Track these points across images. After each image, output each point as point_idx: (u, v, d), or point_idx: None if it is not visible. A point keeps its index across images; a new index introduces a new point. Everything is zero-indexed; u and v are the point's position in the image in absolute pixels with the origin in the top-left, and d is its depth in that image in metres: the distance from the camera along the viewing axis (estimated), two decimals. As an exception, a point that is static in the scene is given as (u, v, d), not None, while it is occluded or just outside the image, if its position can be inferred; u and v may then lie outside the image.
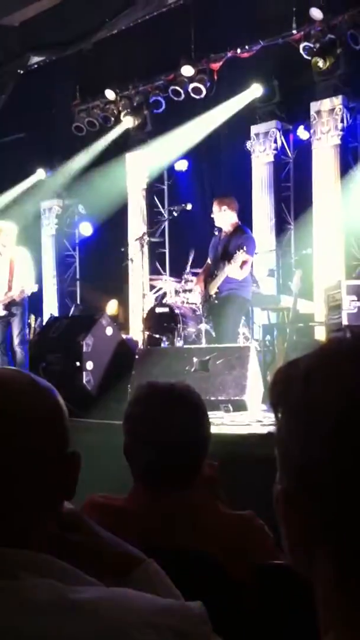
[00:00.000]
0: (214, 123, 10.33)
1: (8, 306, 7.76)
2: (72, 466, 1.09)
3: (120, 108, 11.18)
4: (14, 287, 7.72)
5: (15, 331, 7.78)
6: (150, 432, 1.86)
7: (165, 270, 11.47)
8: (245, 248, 6.83)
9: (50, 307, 12.59)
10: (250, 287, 7.31)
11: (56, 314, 11.31)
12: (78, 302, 12.67)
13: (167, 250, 11.79)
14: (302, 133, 10.08)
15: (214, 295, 7.08)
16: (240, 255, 6.76)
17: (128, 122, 11.14)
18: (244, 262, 6.86)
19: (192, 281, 7.96)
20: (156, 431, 1.85)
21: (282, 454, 0.79)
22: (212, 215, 7.27)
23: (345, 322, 6.62)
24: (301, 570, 0.78)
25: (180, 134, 10.70)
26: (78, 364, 6.27)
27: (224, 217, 7.20)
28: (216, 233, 7.47)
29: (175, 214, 8.16)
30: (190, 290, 7.95)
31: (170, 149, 11.05)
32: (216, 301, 7.06)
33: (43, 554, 0.99)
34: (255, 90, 9.89)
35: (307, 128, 9.81)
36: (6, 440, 1.00)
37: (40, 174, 12.28)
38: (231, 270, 6.85)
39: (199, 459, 1.92)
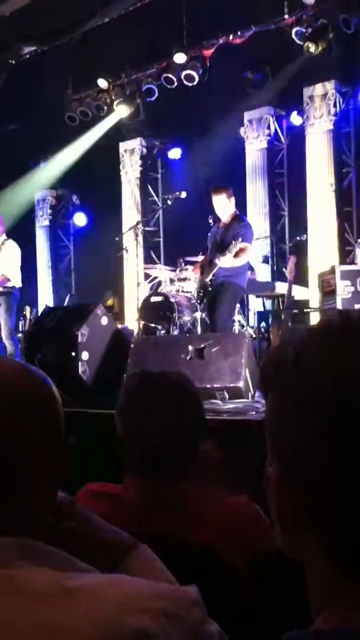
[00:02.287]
0: (205, 110, 10.29)
1: None
2: (66, 455, 1.09)
3: (113, 97, 11.14)
4: None
5: (1, 324, 7.73)
6: (143, 421, 1.86)
7: (160, 259, 11.47)
8: (241, 237, 6.82)
9: (45, 298, 12.59)
10: (246, 274, 7.29)
11: (51, 305, 11.30)
12: (73, 292, 12.67)
13: (161, 239, 11.77)
14: (295, 119, 10.06)
15: (209, 283, 7.08)
16: (235, 247, 6.75)
17: (121, 111, 11.09)
18: (241, 250, 6.84)
19: (187, 269, 7.95)
20: (149, 419, 1.85)
21: (272, 436, 0.79)
22: (214, 205, 7.18)
23: (339, 307, 6.62)
24: (292, 553, 0.78)
25: (174, 121, 10.67)
26: (73, 354, 6.26)
27: (229, 207, 7.16)
28: (211, 221, 7.45)
29: (169, 202, 8.14)
30: (185, 279, 7.94)
31: (164, 137, 11.03)
32: (210, 288, 7.06)
33: (37, 542, 0.99)
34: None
35: (300, 113, 9.79)
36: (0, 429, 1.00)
37: (33, 164, 12.24)
38: (225, 261, 6.83)
39: (193, 446, 1.92)
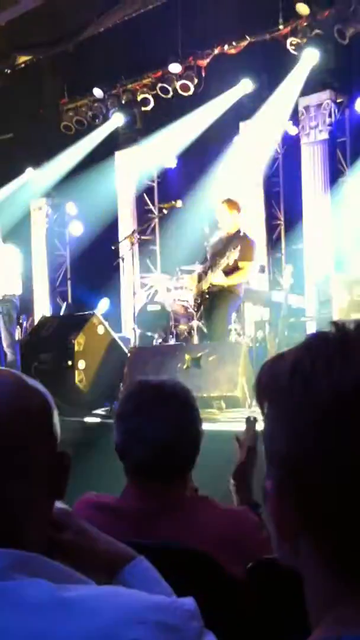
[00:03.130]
0: (203, 120, 10.32)
1: None
2: (62, 466, 1.09)
3: (108, 106, 11.16)
4: None
5: (3, 332, 7.67)
6: (141, 429, 1.86)
7: (156, 268, 11.48)
8: (239, 253, 6.77)
9: (42, 307, 12.57)
10: (242, 285, 7.24)
11: (47, 314, 11.29)
12: (69, 301, 12.65)
13: (157, 248, 11.78)
14: (290, 128, 10.09)
15: (206, 291, 7.05)
16: (232, 255, 6.73)
17: (116, 120, 11.12)
18: (236, 269, 6.82)
19: (183, 278, 7.94)
20: (147, 428, 1.85)
21: (269, 448, 0.79)
22: (222, 216, 7.15)
23: (335, 316, 6.62)
24: (289, 563, 0.78)
25: (170, 131, 10.70)
26: (70, 363, 6.26)
27: (236, 220, 7.16)
28: (207, 230, 7.43)
29: (165, 211, 8.15)
30: (181, 287, 7.93)
31: (160, 146, 11.05)
32: (208, 296, 7.04)
33: (33, 553, 0.98)
34: (245, 86, 9.85)
35: (296, 123, 9.82)
36: None
37: (29, 173, 12.25)
38: (214, 277, 6.80)
39: (190, 455, 1.92)
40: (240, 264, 6.85)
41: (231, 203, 7.22)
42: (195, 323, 7.22)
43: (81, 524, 1.22)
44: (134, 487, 1.88)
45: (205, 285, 7.05)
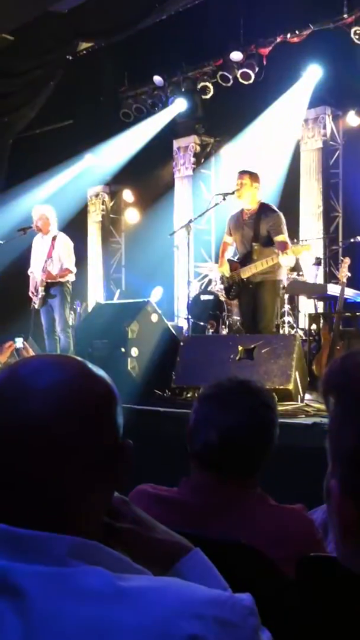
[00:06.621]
0: (263, 109, 10.24)
1: (47, 288, 7.83)
2: (124, 455, 1.08)
3: (168, 94, 11.16)
4: (51, 268, 7.83)
5: (56, 317, 7.83)
6: (213, 414, 1.86)
7: (211, 258, 11.45)
8: (282, 229, 6.64)
9: (96, 293, 12.69)
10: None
11: (101, 300, 11.39)
12: (123, 288, 12.74)
13: (212, 237, 11.75)
14: (352, 119, 9.94)
15: (245, 280, 6.84)
16: (280, 239, 6.60)
17: (176, 108, 11.10)
18: (286, 246, 6.61)
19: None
20: (220, 414, 1.86)
21: (335, 444, 0.77)
22: (244, 189, 6.85)
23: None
24: (350, 563, 0.77)
25: (228, 119, 10.64)
26: (123, 350, 6.30)
27: (254, 193, 6.92)
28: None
29: (222, 200, 8.08)
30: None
31: (217, 135, 10.99)
32: (250, 285, 6.81)
33: (92, 541, 0.98)
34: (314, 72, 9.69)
35: (358, 113, 9.67)
36: (57, 427, 1.00)
37: (87, 160, 12.34)
38: (286, 261, 6.58)
39: (257, 454, 1.89)
40: (277, 238, 6.65)
41: (253, 176, 6.95)
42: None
43: (139, 513, 1.21)
44: (192, 479, 1.88)
45: (247, 274, 6.79)
